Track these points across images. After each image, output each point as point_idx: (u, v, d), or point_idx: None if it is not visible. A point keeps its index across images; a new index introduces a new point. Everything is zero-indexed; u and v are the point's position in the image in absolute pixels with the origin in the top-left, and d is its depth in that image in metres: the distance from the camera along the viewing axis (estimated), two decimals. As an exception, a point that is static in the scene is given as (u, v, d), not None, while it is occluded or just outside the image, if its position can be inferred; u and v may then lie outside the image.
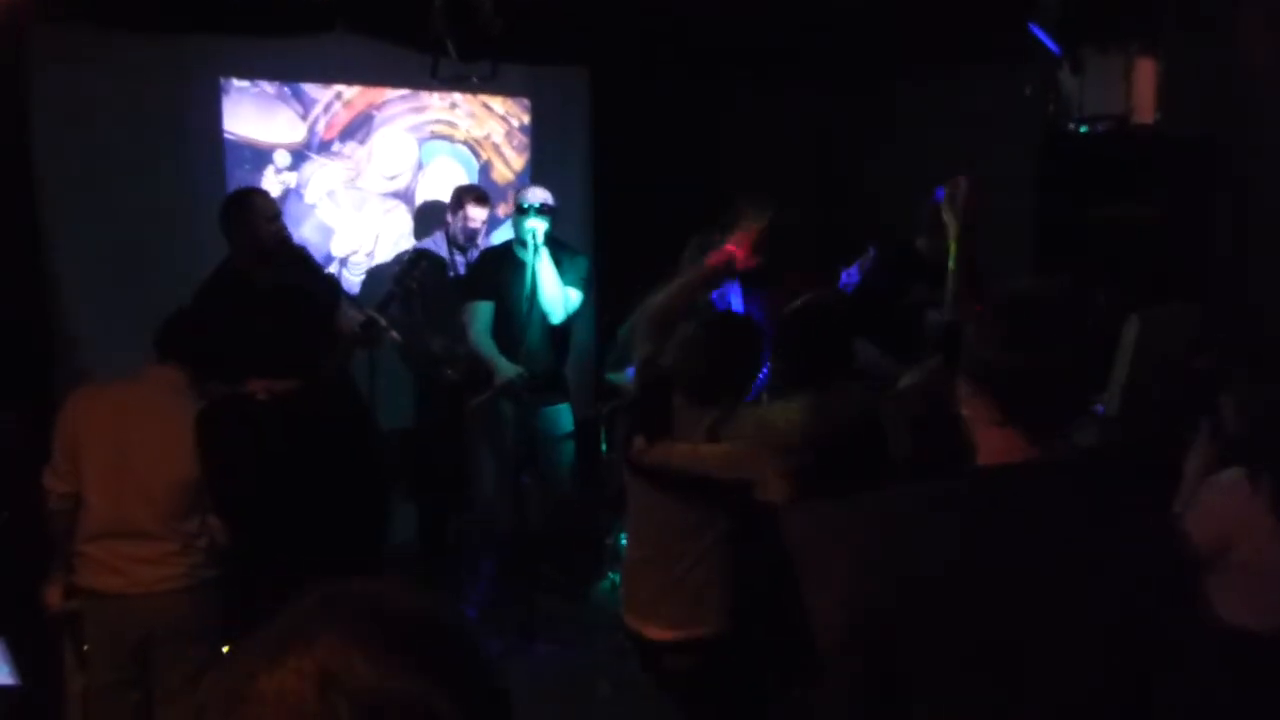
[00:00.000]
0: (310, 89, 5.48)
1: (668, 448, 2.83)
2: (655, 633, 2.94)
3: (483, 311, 4.65)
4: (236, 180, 5.28)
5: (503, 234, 5.53)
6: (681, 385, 2.88)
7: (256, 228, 4.10)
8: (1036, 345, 1.57)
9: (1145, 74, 4.18)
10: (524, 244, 4.57)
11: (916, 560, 1.59)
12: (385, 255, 5.67)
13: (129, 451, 3.04)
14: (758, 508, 2.71)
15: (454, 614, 0.87)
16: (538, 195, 4.62)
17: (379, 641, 0.77)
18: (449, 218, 5.18)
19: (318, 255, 5.16)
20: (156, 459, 3.05)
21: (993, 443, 1.62)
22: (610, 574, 5.33)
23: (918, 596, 1.57)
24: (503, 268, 4.68)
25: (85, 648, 3.23)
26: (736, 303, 4.33)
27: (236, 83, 5.31)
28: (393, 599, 0.83)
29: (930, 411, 2.58)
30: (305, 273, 4.30)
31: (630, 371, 4.39)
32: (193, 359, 3.12)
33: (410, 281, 4.60)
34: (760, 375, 3.05)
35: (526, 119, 6.07)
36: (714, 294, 4.13)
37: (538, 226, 4.48)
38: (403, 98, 5.72)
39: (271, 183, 5.32)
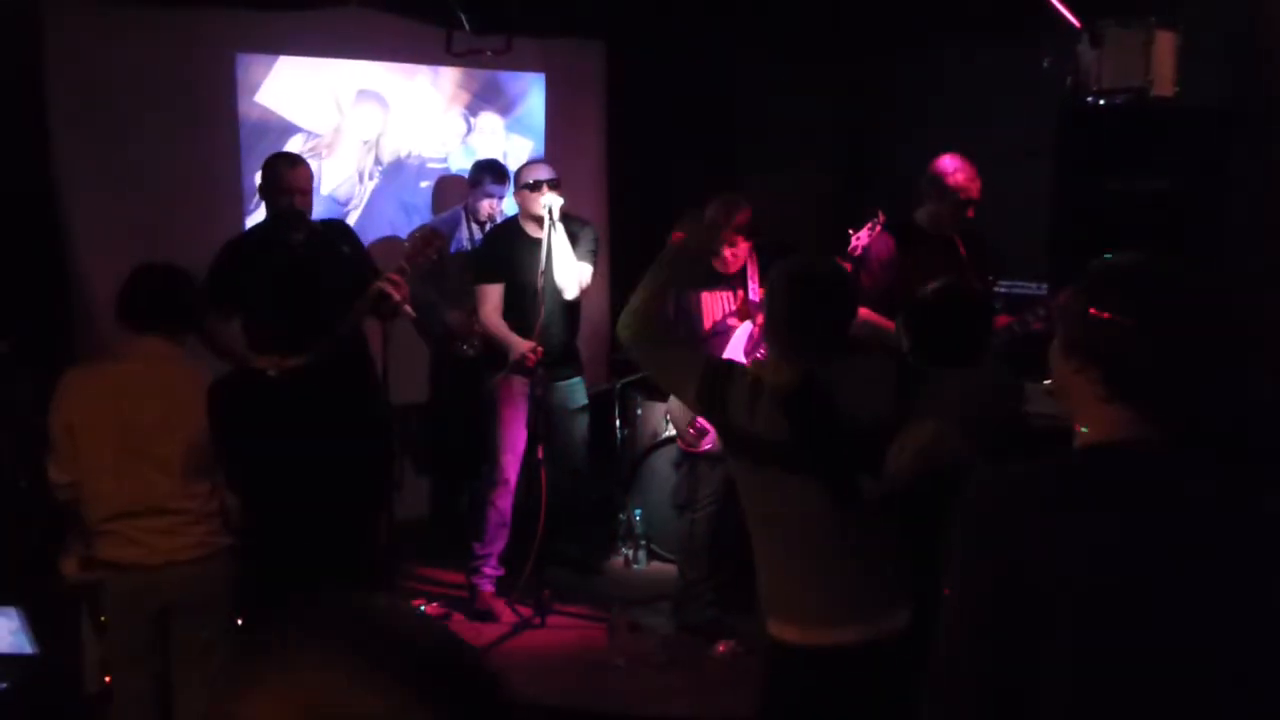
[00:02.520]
0: (342, 70, 5.48)
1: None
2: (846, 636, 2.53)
3: (492, 294, 4.64)
4: (260, 152, 5.29)
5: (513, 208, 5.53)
6: (778, 339, 2.65)
7: (274, 198, 4.19)
8: (1151, 319, 1.51)
9: (1165, 47, 4.14)
10: (533, 220, 4.56)
11: (1037, 539, 1.50)
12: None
13: (138, 431, 3.03)
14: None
15: (444, 631, 0.84)
16: (546, 170, 4.60)
17: (362, 660, 0.75)
18: (468, 193, 5.20)
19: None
20: (170, 430, 3.05)
21: (1099, 421, 1.56)
22: (623, 549, 5.35)
23: (1040, 577, 1.48)
24: (511, 245, 4.66)
25: (103, 619, 3.25)
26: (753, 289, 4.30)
27: (284, 58, 5.31)
28: (376, 615, 0.81)
29: None
30: (335, 249, 4.27)
31: None
32: (171, 325, 3.11)
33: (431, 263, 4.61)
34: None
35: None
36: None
37: (554, 201, 4.46)
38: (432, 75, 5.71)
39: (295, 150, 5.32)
